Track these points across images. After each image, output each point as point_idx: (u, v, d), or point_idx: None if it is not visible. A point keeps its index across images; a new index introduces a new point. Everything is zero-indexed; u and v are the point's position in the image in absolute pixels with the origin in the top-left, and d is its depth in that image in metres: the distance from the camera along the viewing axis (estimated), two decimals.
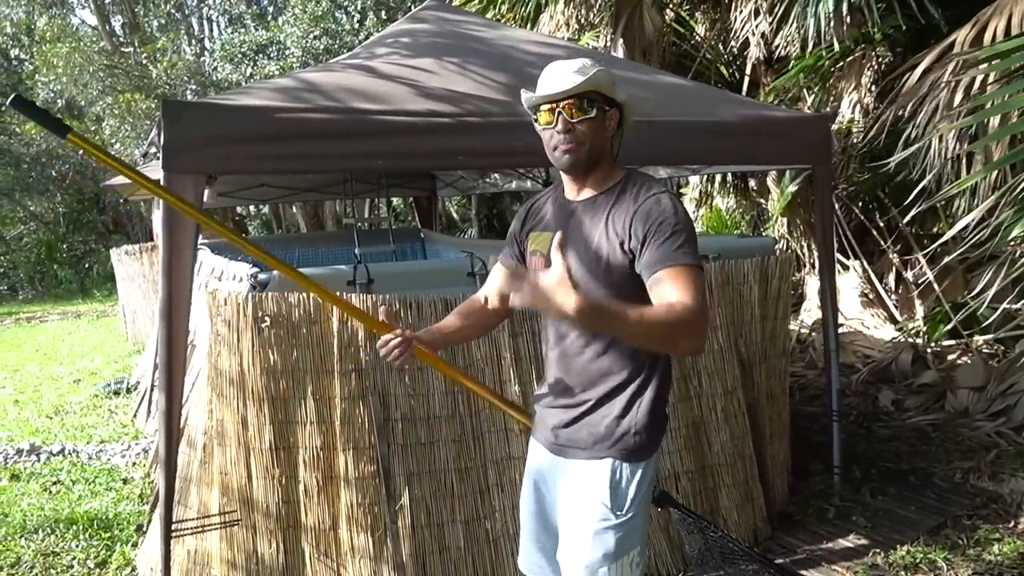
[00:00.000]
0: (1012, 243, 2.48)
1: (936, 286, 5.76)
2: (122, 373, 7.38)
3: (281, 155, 2.72)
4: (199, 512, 2.99)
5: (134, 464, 4.71)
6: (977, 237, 2.60)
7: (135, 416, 5.69)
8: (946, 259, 4.78)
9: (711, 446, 3.33)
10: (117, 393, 6.59)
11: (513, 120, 3.02)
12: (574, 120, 1.69)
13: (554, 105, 1.70)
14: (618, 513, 1.72)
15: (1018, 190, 2.33)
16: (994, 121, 3.10)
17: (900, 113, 3.60)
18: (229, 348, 2.83)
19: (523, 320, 3.09)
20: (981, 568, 3.09)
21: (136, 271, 8.90)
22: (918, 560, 3.16)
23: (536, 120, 1.78)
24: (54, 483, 4.45)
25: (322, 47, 11.09)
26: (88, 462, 4.77)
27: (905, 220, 3.90)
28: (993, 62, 3.14)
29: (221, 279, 3.62)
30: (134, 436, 5.28)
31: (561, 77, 1.69)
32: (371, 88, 3.06)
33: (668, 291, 1.56)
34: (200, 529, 2.91)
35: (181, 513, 3.04)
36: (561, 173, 1.83)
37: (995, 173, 3.01)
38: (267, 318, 2.78)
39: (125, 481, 4.44)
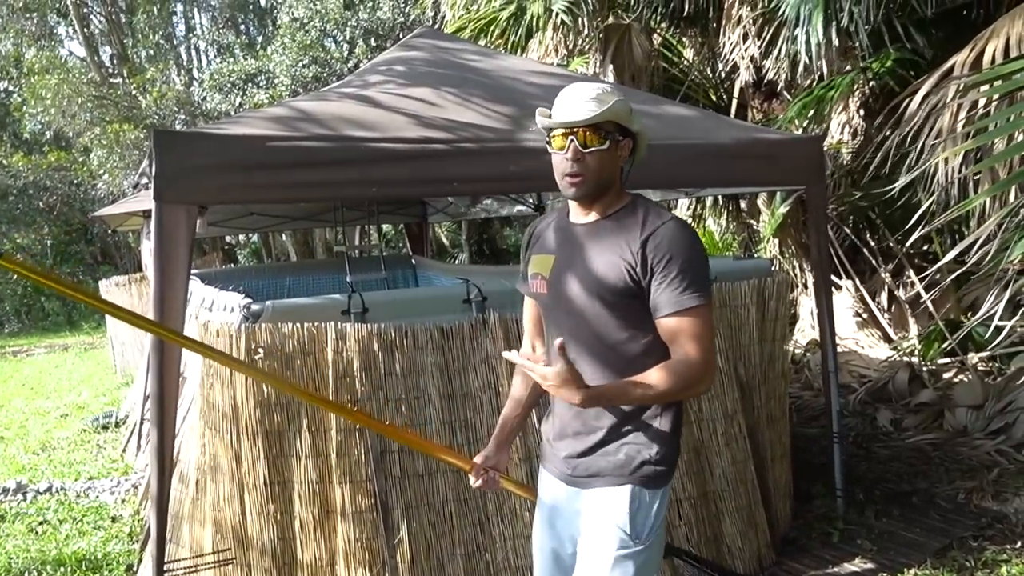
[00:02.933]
0: (1013, 263, 2.47)
1: (930, 305, 5.76)
2: (111, 406, 7.26)
3: (275, 184, 2.69)
4: (192, 551, 2.91)
5: (123, 501, 4.61)
6: (976, 256, 2.59)
7: (124, 451, 5.58)
8: (944, 279, 4.79)
9: (713, 471, 3.28)
10: (106, 427, 6.48)
11: (508, 146, 3.01)
12: (586, 150, 1.67)
13: (568, 131, 1.68)
14: (637, 540, 1.70)
15: (1022, 211, 2.33)
16: (999, 143, 3.12)
17: (901, 137, 3.62)
18: (222, 381, 2.77)
19: (520, 346, 3.05)
20: None
21: (125, 302, 8.80)
22: None
23: (548, 142, 1.74)
24: (40, 523, 4.34)
25: (311, 75, 11.14)
26: (76, 500, 4.67)
27: (909, 242, 3.90)
28: (995, 83, 3.17)
29: (212, 309, 3.56)
30: (123, 472, 5.18)
31: (579, 104, 1.66)
32: (365, 116, 3.04)
33: (674, 340, 1.64)
34: (193, 568, 2.82)
35: (173, 552, 2.96)
36: None
37: (998, 193, 3.01)
38: (260, 349, 2.73)
39: (114, 519, 4.33)
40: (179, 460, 3.19)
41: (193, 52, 19.83)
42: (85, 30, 17.09)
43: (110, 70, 17.62)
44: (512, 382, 2.09)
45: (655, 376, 1.59)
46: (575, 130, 1.66)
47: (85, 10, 18.08)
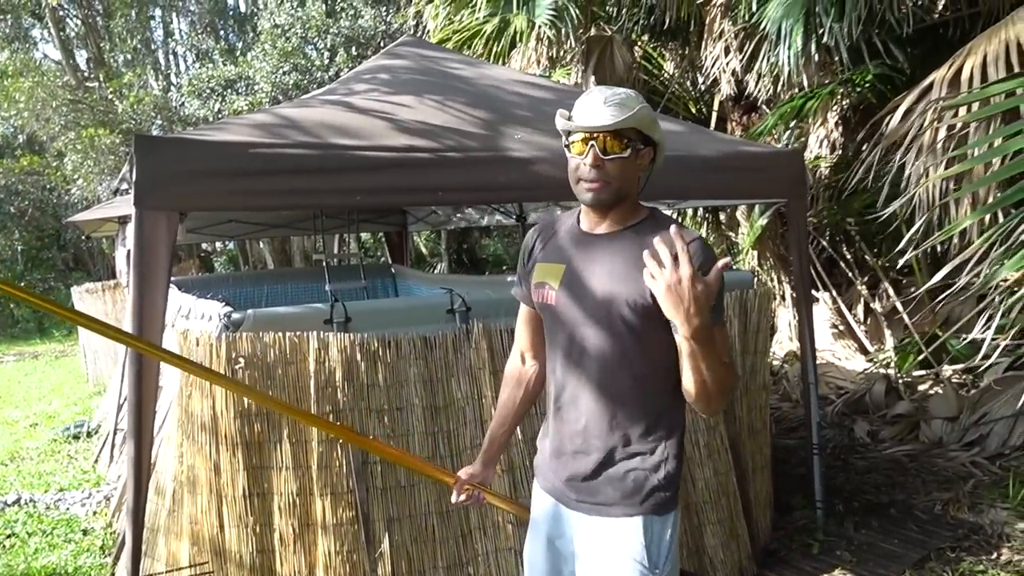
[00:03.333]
0: (1004, 282, 2.51)
1: (906, 317, 5.83)
2: (82, 416, 7.13)
3: (258, 191, 2.66)
4: (168, 564, 2.86)
5: (95, 513, 4.52)
6: (966, 275, 2.62)
7: (96, 461, 5.47)
8: (919, 292, 4.86)
9: (695, 483, 3.28)
10: (77, 437, 6.35)
11: (494, 155, 3.01)
12: (606, 157, 1.59)
13: (589, 136, 1.60)
14: (656, 571, 1.63)
15: (1013, 231, 2.37)
16: (979, 165, 3.17)
17: (881, 152, 3.67)
18: (201, 391, 2.73)
19: (503, 357, 3.03)
20: None
21: (98, 309, 8.67)
22: None
23: (567, 146, 1.67)
24: (8, 536, 4.23)
25: (292, 82, 11.08)
26: (46, 512, 4.56)
27: (892, 258, 3.94)
28: (974, 106, 3.22)
29: (189, 317, 3.50)
30: (95, 483, 5.07)
31: (601, 108, 1.59)
32: (350, 124, 3.02)
33: None
34: None
35: (148, 566, 2.91)
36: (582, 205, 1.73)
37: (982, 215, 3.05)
38: (241, 359, 2.69)
39: (85, 532, 4.24)
40: (155, 471, 3.13)
41: (171, 57, 19.65)
42: (61, 33, 16.87)
43: (86, 74, 17.39)
44: (500, 393, 2.02)
45: (722, 363, 1.51)
46: (596, 135, 1.59)
47: (61, 13, 17.85)
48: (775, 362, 6.78)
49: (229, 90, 11.77)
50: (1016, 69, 3.43)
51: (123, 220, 6.71)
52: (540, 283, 1.77)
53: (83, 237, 15.06)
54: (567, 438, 1.73)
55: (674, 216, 8.20)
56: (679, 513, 1.73)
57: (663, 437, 1.66)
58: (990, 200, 3.44)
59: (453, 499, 1.91)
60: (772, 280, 7.07)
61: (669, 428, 1.67)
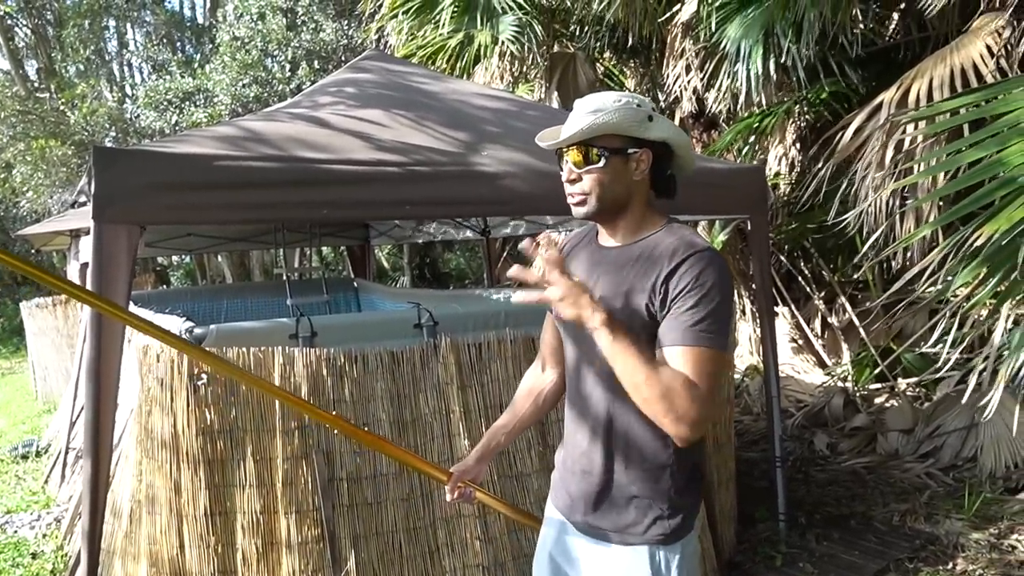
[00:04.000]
0: (956, 295, 2.59)
1: (862, 331, 5.97)
2: (31, 435, 6.88)
3: (222, 205, 2.62)
4: None
5: (45, 536, 4.35)
6: (923, 286, 2.70)
7: (46, 482, 5.28)
8: (874, 306, 4.98)
9: None
10: (25, 457, 6.12)
11: (461, 170, 3.01)
12: (580, 170, 1.54)
13: (563, 151, 1.56)
14: None
15: (963, 244, 2.45)
16: (929, 179, 3.28)
17: (833, 169, 3.77)
18: (162, 408, 2.66)
19: (471, 372, 3.03)
20: None
21: (49, 325, 8.41)
22: None
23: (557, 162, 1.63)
24: None
25: (252, 95, 10.95)
26: None
27: (858, 273, 4.05)
28: (921, 123, 3.33)
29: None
30: (44, 504, 4.89)
31: (572, 120, 1.54)
32: (316, 137, 2.99)
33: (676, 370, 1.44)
34: None
35: None
36: None
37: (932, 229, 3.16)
38: (204, 375, 2.63)
39: (35, 555, 4.08)
40: (111, 491, 3.03)
41: (126, 68, 19.27)
42: (10, 43, 16.45)
43: (36, 84, 16.98)
44: (516, 393, 1.94)
45: (663, 372, 1.39)
46: (568, 149, 1.55)
47: (9, 22, 17.41)
48: (736, 376, 6.87)
49: (187, 102, 11.59)
50: (960, 91, 3.57)
51: (75, 233, 6.54)
52: None
53: (33, 251, 14.63)
54: (575, 456, 1.68)
55: None
56: (695, 541, 1.66)
57: (668, 464, 1.57)
58: (932, 217, 3.57)
59: (447, 497, 1.84)
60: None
61: (677, 455, 1.56)
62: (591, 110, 1.52)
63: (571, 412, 1.71)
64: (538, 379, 1.91)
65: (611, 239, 1.64)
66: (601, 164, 1.53)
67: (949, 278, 2.52)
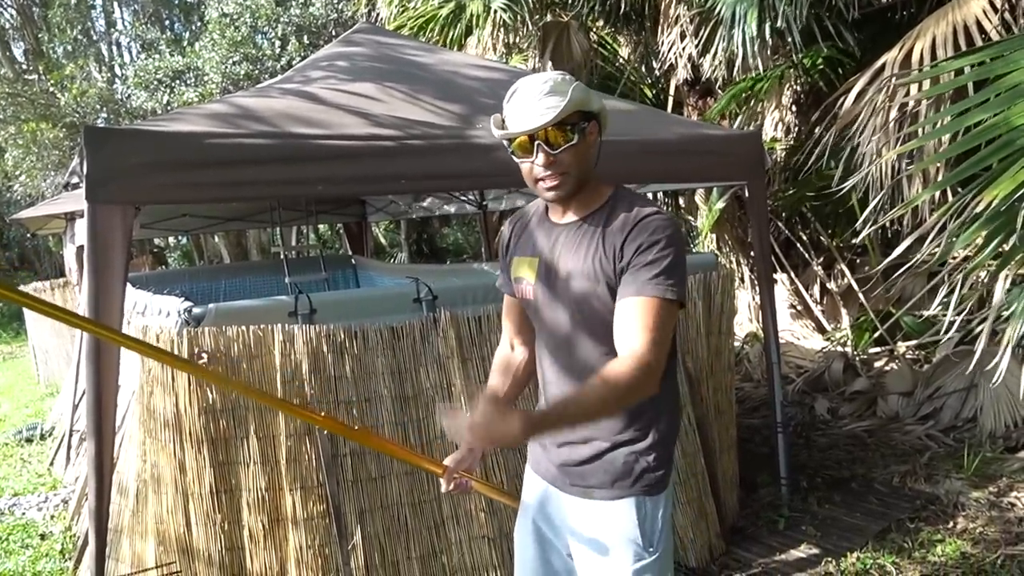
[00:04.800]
0: (954, 258, 2.58)
1: (861, 296, 5.97)
2: (35, 418, 6.91)
3: (216, 183, 2.60)
4: (133, 565, 2.79)
5: (53, 517, 4.39)
6: (925, 251, 2.69)
7: (52, 464, 5.31)
8: (873, 270, 4.97)
9: None
10: (30, 440, 6.15)
11: (457, 143, 2.98)
12: (556, 151, 1.54)
13: (531, 137, 1.54)
14: (651, 550, 1.64)
15: (965, 208, 2.43)
16: (930, 143, 3.25)
17: (834, 132, 3.73)
18: (163, 387, 2.66)
19: (472, 345, 3.02)
20: (928, 570, 3.17)
21: None
22: (868, 566, 3.22)
23: (510, 151, 1.61)
24: None
25: (242, 72, 10.84)
26: (0, 518, 4.42)
27: (858, 238, 4.03)
28: (924, 84, 3.29)
29: (145, 314, 3.41)
30: (51, 487, 4.93)
31: (535, 104, 1.52)
32: (309, 112, 2.96)
33: (624, 327, 1.51)
34: None
35: (113, 568, 2.84)
36: None
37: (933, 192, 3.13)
38: (204, 354, 2.63)
39: (43, 536, 4.12)
40: (117, 471, 3.05)
41: (115, 48, 19.06)
42: None
43: (24, 66, 16.79)
44: (489, 379, 1.98)
45: (593, 391, 1.44)
46: (542, 132, 1.53)
47: None
48: (736, 343, 6.88)
49: (178, 81, 11.48)
50: (964, 50, 3.53)
51: (71, 216, 6.51)
52: (518, 278, 1.76)
53: (28, 235, 14.59)
54: None
55: None
56: (672, 493, 1.74)
57: (652, 420, 1.65)
58: (939, 178, 3.54)
59: (443, 488, 1.87)
60: (731, 263, 7.17)
61: (657, 410, 1.65)
62: (547, 92, 1.53)
63: (550, 387, 1.75)
64: (510, 357, 1.95)
65: (566, 215, 1.68)
66: (575, 140, 1.56)
67: (952, 240, 2.51)
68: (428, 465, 1.90)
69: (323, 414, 1.92)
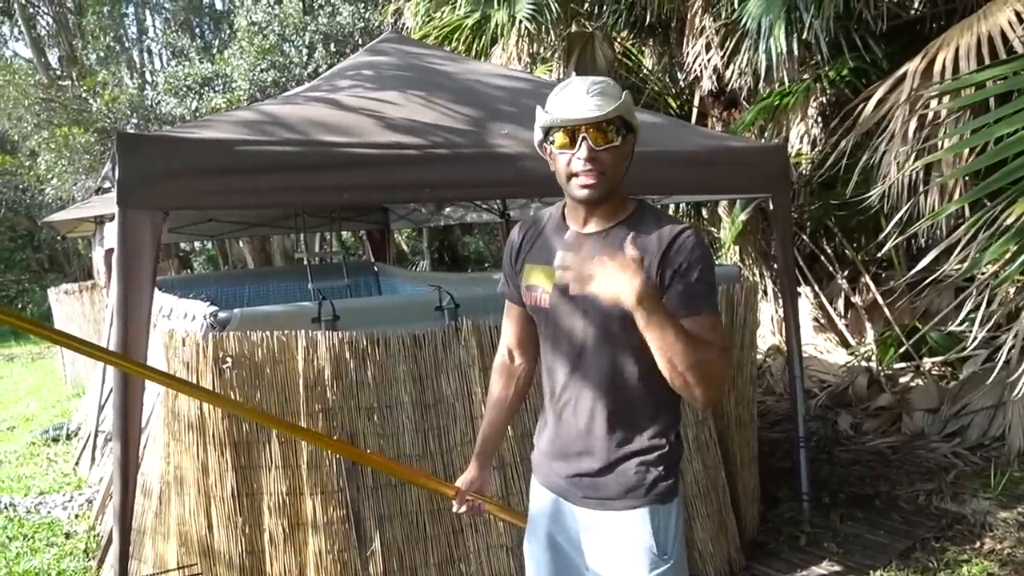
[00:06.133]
0: (982, 271, 2.54)
1: (887, 310, 5.90)
2: (61, 418, 7.02)
3: (243, 189, 2.63)
4: (155, 566, 2.83)
5: (77, 516, 4.45)
6: (955, 264, 2.65)
7: (77, 464, 5.39)
8: (898, 285, 4.91)
9: (684, 476, 3.29)
10: (56, 440, 6.25)
11: (480, 152, 3.00)
12: (600, 148, 1.55)
13: (576, 129, 1.55)
14: (665, 557, 1.64)
15: (994, 220, 2.40)
16: (951, 155, 3.21)
17: (856, 142, 3.70)
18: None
19: (493, 353, 3.02)
20: None
21: (76, 311, 8.55)
22: None
23: (551, 142, 1.61)
24: None
25: (270, 80, 10.97)
26: (26, 516, 4.49)
27: (883, 251, 3.98)
28: (945, 99, 3.26)
29: (171, 317, 3.46)
30: (76, 486, 5.00)
31: (586, 98, 1.54)
32: (335, 120, 3.00)
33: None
34: None
35: (135, 568, 2.87)
36: (568, 201, 1.69)
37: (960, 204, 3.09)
38: (229, 358, 2.66)
39: (68, 535, 4.18)
40: (141, 472, 3.08)
41: (146, 55, 19.38)
42: (32, 31, 16.59)
43: (58, 72, 17.11)
44: (490, 386, 1.98)
45: (696, 337, 1.46)
46: (587, 127, 1.54)
47: (31, 10, 17.55)
48: (757, 356, 6.83)
49: (206, 88, 11.64)
50: (987, 62, 3.49)
51: (100, 220, 6.62)
52: (531, 286, 1.73)
53: (58, 238, 14.84)
54: (569, 440, 1.71)
55: None
56: (681, 501, 1.74)
57: (663, 430, 1.67)
58: (959, 192, 3.49)
59: (455, 510, 1.89)
60: (754, 275, 7.12)
61: (667, 420, 1.68)
62: (600, 91, 1.56)
63: (562, 397, 1.72)
64: (512, 368, 1.95)
65: (588, 224, 1.66)
66: (619, 143, 1.58)
67: (978, 255, 2.48)
68: (439, 487, 1.91)
69: (336, 438, 1.93)
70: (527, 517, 1.90)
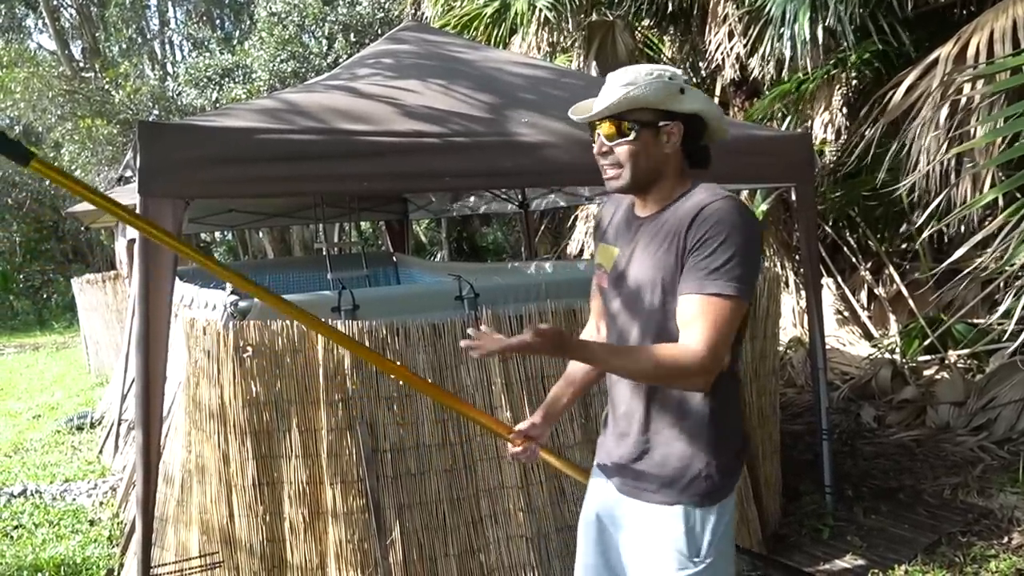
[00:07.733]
0: (1007, 266, 2.48)
1: (911, 302, 5.81)
2: (85, 407, 7.10)
3: (264, 177, 2.63)
4: (177, 554, 2.84)
5: (101, 504, 4.50)
6: (990, 256, 2.59)
7: (101, 452, 5.45)
8: (923, 276, 4.83)
9: None
10: (80, 428, 6.33)
11: (501, 140, 2.97)
12: (611, 143, 1.57)
13: (593, 125, 1.59)
14: (696, 560, 1.57)
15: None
16: (983, 144, 3.14)
17: (882, 131, 3.63)
18: (209, 379, 2.70)
19: None
20: None
21: (99, 300, 8.63)
22: None
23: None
24: (15, 527, 4.22)
25: (290, 70, 11.00)
26: (52, 503, 4.55)
27: (908, 243, 3.91)
28: (978, 84, 3.18)
29: (192, 307, 3.47)
30: (100, 474, 5.06)
31: (604, 93, 1.56)
32: (355, 109, 2.98)
33: (684, 327, 1.48)
34: (179, 572, 2.75)
35: (158, 556, 2.89)
36: None
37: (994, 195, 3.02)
38: (249, 347, 2.66)
39: (92, 522, 4.22)
40: (163, 460, 3.10)
41: (167, 46, 19.53)
42: (56, 23, 16.76)
43: (81, 64, 17.28)
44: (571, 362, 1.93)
45: (645, 352, 1.47)
46: (600, 123, 1.57)
47: (55, 2, 17.72)
48: (779, 348, 6.76)
49: (227, 79, 11.70)
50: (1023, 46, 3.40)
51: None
52: (599, 264, 1.77)
53: (82, 228, 15.01)
54: (615, 420, 1.73)
55: None
56: (734, 510, 1.66)
57: (706, 424, 1.58)
58: (990, 183, 3.41)
59: (509, 449, 1.84)
60: (775, 266, 7.04)
61: (713, 412, 1.58)
62: (624, 83, 1.55)
63: (612, 377, 1.75)
64: (595, 337, 1.91)
65: (645, 208, 1.67)
66: (631, 137, 1.56)
67: (1006, 248, 2.42)
68: (496, 427, 1.88)
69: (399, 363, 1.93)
70: (585, 472, 1.90)
